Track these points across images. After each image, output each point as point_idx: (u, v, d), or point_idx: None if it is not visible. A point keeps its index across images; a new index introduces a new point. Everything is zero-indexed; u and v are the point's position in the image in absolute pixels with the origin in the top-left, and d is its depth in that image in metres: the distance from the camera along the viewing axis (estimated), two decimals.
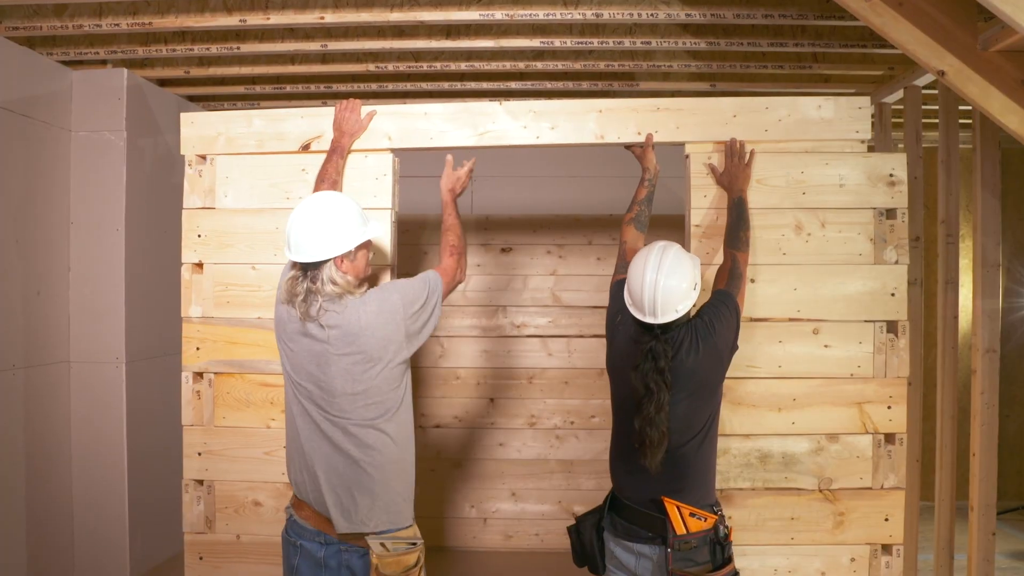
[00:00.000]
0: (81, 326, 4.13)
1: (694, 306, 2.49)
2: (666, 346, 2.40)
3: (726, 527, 2.47)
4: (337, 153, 2.92)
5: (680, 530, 2.39)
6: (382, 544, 2.35)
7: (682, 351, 2.43)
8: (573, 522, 2.71)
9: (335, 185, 2.85)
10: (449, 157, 2.91)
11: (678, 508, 2.40)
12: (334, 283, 2.38)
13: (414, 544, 2.41)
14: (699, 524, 2.41)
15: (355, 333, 2.37)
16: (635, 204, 2.86)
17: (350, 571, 2.39)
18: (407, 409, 2.50)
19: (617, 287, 2.65)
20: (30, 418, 3.82)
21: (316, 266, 2.38)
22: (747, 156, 2.90)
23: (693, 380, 2.43)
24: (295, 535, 2.45)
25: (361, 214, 2.50)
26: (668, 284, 2.39)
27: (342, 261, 2.40)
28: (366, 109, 3.02)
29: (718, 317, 2.49)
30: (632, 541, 2.51)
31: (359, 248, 2.45)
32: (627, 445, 2.49)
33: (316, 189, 2.82)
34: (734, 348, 2.54)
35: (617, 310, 2.62)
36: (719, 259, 2.93)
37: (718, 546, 2.45)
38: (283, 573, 2.51)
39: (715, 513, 2.47)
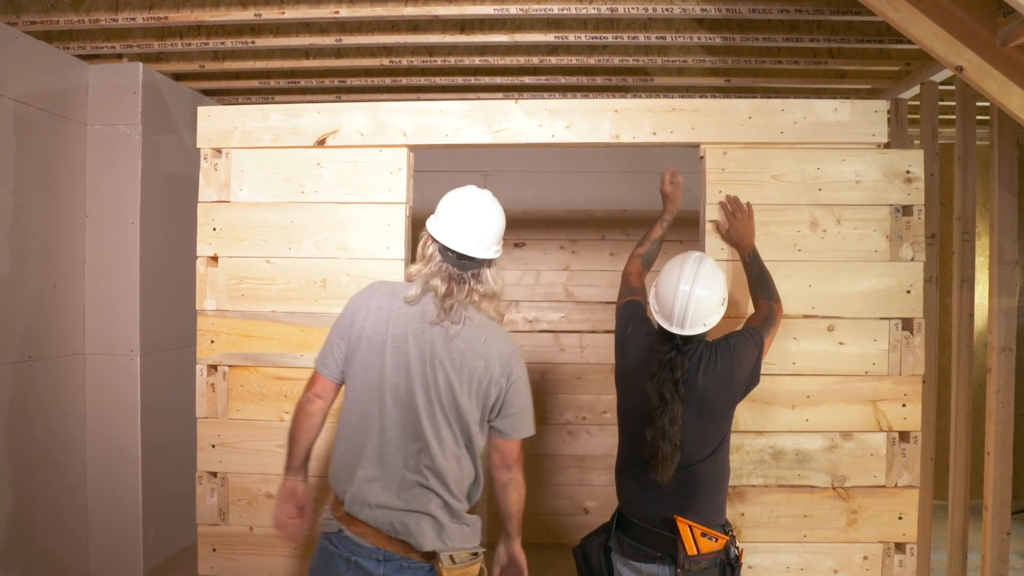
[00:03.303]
0: (96, 318, 4.16)
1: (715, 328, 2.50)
2: (685, 359, 2.39)
3: (737, 548, 2.47)
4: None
5: (691, 550, 2.37)
6: (450, 557, 2.23)
7: (699, 369, 2.42)
8: (580, 534, 2.71)
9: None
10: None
11: (690, 527, 2.38)
12: (496, 283, 2.32)
13: (476, 554, 2.30)
14: (710, 544, 2.40)
15: (483, 355, 2.26)
16: (647, 241, 2.88)
17: None
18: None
19: (625, 308, 2.66)
20: (45, 409, 3.85)
21: (478, 264, 2.30)
22: (748, 209, 2.88)
23: (702, 400, 2.42)
24: (347, 551, 2.25)
25: None
26: (701, 296, 2.40)
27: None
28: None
29: (744, 343, 2.49)
30: (640, 561, 2.47)
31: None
32: (636, 460, 2.47)
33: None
34: (751, 383, 2.51)
35: (627, 322, 2.61)
36: (732, 254, 2.92)
37: (728, 568, 2.45)
38: None
39: (727, 534, 2.46)
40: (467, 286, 2.28)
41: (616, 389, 2.63)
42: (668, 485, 2.40)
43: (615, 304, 2.73)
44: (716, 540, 2.40)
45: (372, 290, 2.37)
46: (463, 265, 2.28)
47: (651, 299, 2.50)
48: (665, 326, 2.43)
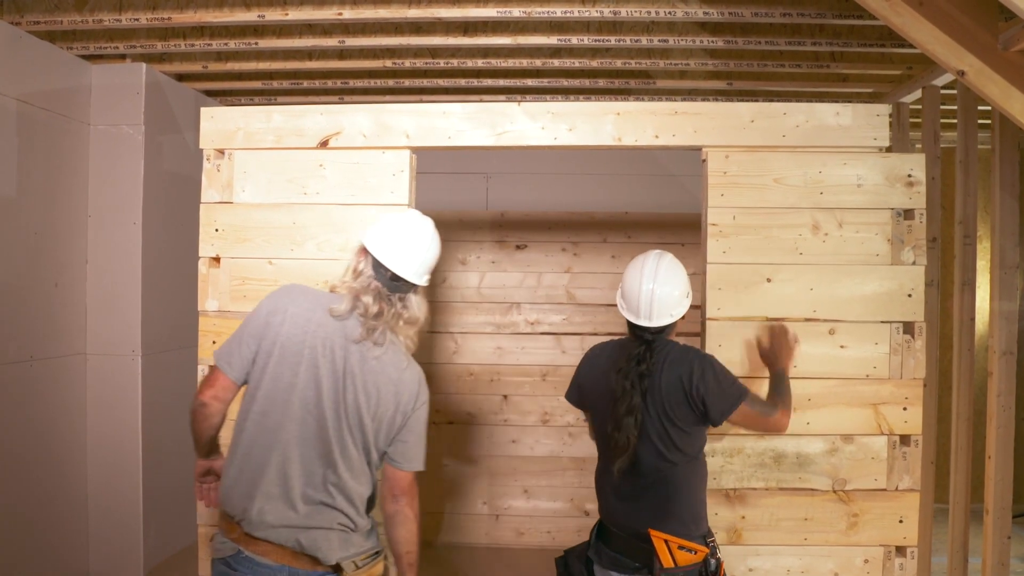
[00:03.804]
0: (98, 318, 4.16)
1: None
2: (652, 354, 2.45)
3: (718, 559, 2.46)
4: None
5: (667, 563, 2.37)
6: (354, 563, 2.21)
7: (663, 366, 2.45)
8: (581, 536, 2.72)
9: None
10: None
11: (666, 541, 2.39)
12: (420, 310, 2.29)
13: (378, 553, 2.30)
14: (688, 557, 2.39)
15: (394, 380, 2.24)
16: None
17: None
18: None
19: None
20: (47, 409, 3.85)
21: (407, 288, 2.27)
22: (793, 338, 2.79)
23: (663, 399, 2.43)
24: (249, 571, 2.16)
25: None
26: (663, 292, 2.48)
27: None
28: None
29: (716, 374, 2.46)
30: (618, 571, 2.48)
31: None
32: (611, 471, 2.49)
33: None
34: (704, 410, 2.44)
35: (586, 356, 2.72)
36: (736, 257, 2.93)
37: None
38: None
39: (707, 545, 2.45)
40: (394, 309, 2.25)
41: (587, 412, 2.71)
42: (645, 487, 2.44)
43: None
44: (695, 552, 2.40)
45: (290, 294, 2.28)
46: (393, 287, 2.25)
47: (618, 299, 2.58)
48: (633, 320, 2.50)
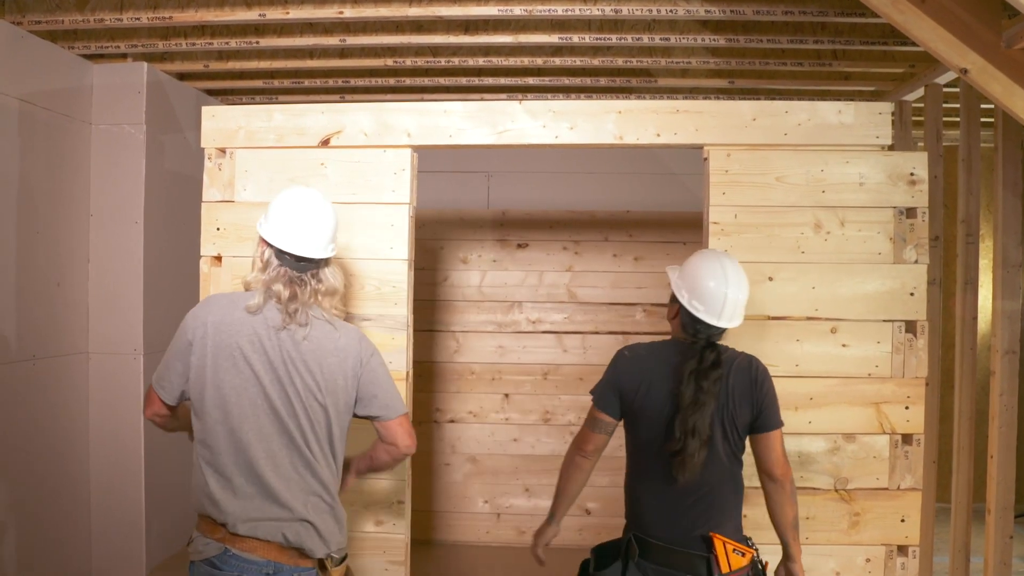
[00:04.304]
0: (100, 317, 4.16)
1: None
2: (720, 356, 2.38)
3: (762, 561, 2.45)
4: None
5: (725, 568, 2.33)
6: (331, 557, 2.28)
7: (731, 370, 2.41)
8: (582, 535, 2.62)
9: None
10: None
11: (724, 544, 2.35)
12: (336, 280, 2.33)
13: (344, 551, 2.36)
14: (740, 561, 2.36)
15: (330, 351, 2.28)
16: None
17: None
18: None
19: (613, 363, 2.56)
20: (49, 408, 3.86)
21: (316, 264, 2.29)
22: None
23: (729, 403, 2.39)
24: (235, 570, 2.18)
25: None
26: (744, 293, 2.45)
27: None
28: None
29: (776, 398, 2.47)
30: None
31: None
32: (660, 479, 2.41)
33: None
34: (749, 428, 2.46)
35: (620, 355, 2.55)
36: (737, 255, 2.91)
37: None
38: None
39: (751, 547, 2.43)
40: (308, 287, 2.27)
41: (625, 419, 2.52)
42: (704, 495, 2.38)
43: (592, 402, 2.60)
44: (744, 555, 2.37)
45: (208, 305, 2.31)
46: (301, 267, 2.27)
47: (690, 298, 2.43)
48: (713, 322, 2.40)
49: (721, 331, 2.43)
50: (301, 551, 2.21)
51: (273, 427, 2.21)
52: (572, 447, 2.64)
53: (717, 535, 2.37)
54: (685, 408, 2.33)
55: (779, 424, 2.47)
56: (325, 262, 2.32)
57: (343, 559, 2.34)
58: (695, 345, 2.41)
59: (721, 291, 2.41)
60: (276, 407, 2.21)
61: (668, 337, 2.57)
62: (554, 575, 3.09)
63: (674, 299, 2.52)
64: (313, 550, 2.22)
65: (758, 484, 2.87)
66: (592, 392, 2.58)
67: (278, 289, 2.23)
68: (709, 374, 2.34)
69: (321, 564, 2.25)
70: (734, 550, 2.36)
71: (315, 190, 2.42)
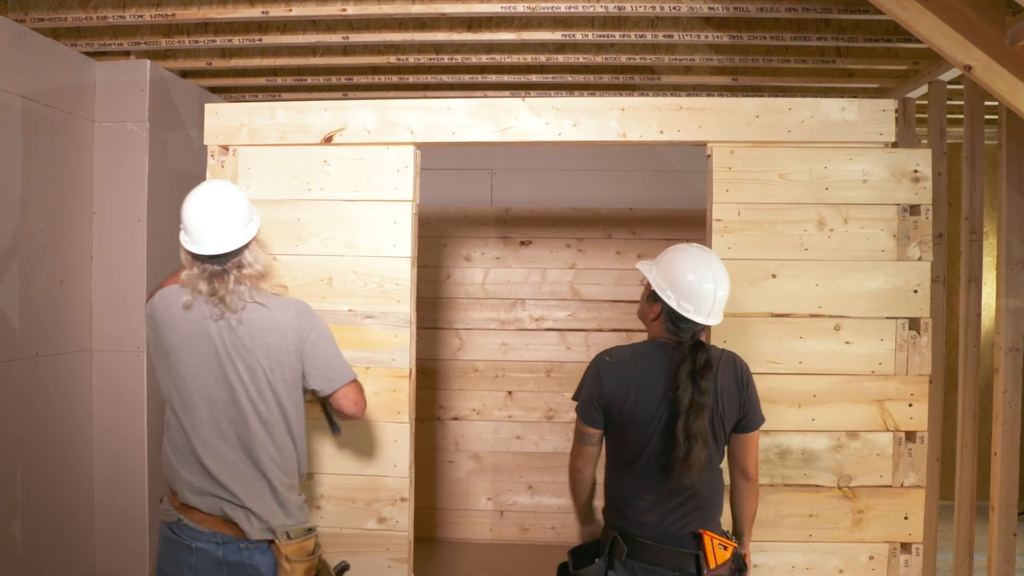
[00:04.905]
0: (103, 315, 4.17)
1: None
2: (711, 358, 2.36)
3: (741, 552, 2.48)
4: None
5: (712, 563, 2.34)
6: (287, 533, 2.37)
7: (720, 368, 2.40)
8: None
9: None
10: None
11: (711, 539, 2.36)
12: (259, 262, 2.41)
13: (311, 530, 2.45)
14: (724, 554, 2.37)
15: (268, 328, 2.37)
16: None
17: (254, 568, 2.37)
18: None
19: (590, 371, 2.53)
20: (53, 406, 3.86)
21: (234, 254, 2.37)
22: None
23: (720, 402, 2.38)
24: (188, 537, 2.37)
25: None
26: (728, 288, 2.43)
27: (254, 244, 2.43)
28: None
29: (757, 396, 2.50)
30: None
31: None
32: (649, 480, 2.39)
33: None
34: (741, 412, 2.46)
35: (599, 362, 2.50)
36: (741, 253, 2.92)
37: (738, 573, 2.45)
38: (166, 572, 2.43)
39: (731, 540, 2.44)
40: (231, 276, 2.35)
41: (611, 425, 2.46)
42: (696, 493, 2.37)
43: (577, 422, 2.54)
44: (726, 548, 2.38)
45: (153, 308, 2.47)
46: (220, 260, 2.35)
47: (678, 299, 2.38)
48: (701, 320, 2.37)
49: (704, 328, 2.41)
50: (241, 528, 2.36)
51: (221, 415, 2.35)
52: (571, 463, 2.60)
53: (707, 532, 2.37)
54: (686, 412, 2.30)
55: (761, 423, 2.49)
56: (244, 248, 2.38)
57: (306, 538, 2.41)
58: (682, 345, 2.38)
59: (711, 290, 2.37)
60: (219, 395, 2.35)
61: (645, 338, 2.53)
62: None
63: (652, 298, 2.46)
64: (248, 532, 2.34)
65: (759, 482, 2.88)
66: (576, 401, 2.52)
67: (202, 287, 2.35)
68: (704, 375, 2.32)
69: (270, 535, 2.37)
70: (719, 544, 2.37)
71: (219, 182, 2.49)
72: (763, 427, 2.86)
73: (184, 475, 2.37)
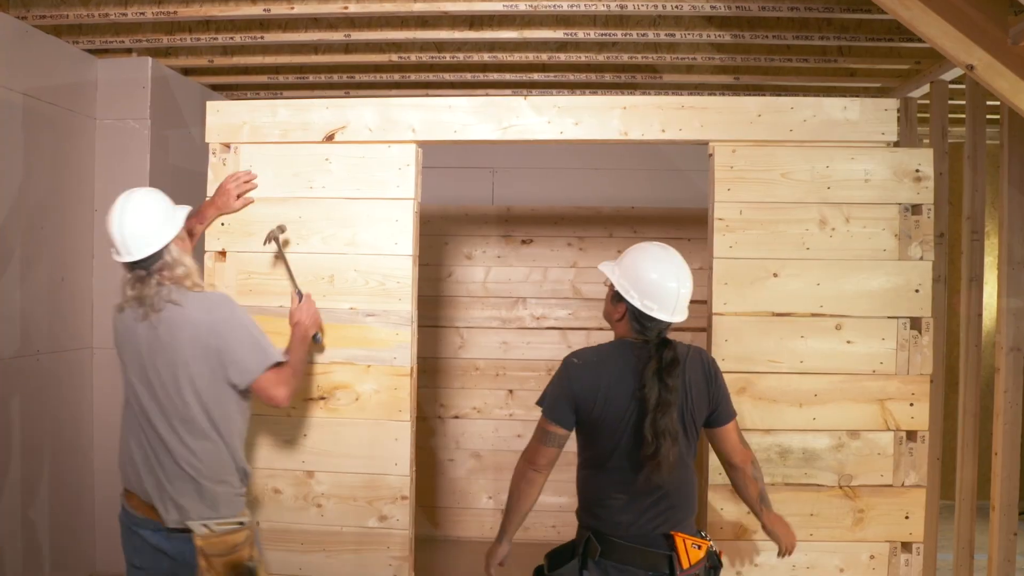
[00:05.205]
0: (104, 313, 4.16)
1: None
2: (677, 355, 2.36)
3: (715, 550, 2.47)
4: (198, 218, 2.97)
5: (686, 563, 2.34)
6: (205, 526, 2.43)
7: (687, 364, 2.40)
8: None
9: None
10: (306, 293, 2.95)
11: (684, 540, 2.36)
12: (180, 263, 2.48)
13: (242, 523, 2.51)
14: (698, 554, 2.37)
15: (191, 323, 2.44)
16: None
17: (182, 556, 2.46)
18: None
19: (560, 372, 2.54)
20: (54, 403, 3.86)
21: (154, 258, 2.45)
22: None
23: (689, 398, 2.39)
24: (130, 523, 2.54)
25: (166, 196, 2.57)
26: (691, 289, 2.42)
27: (179, 242, 2.52)
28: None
29: (726, 388, 2.51)
30: None
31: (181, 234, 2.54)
32: (621, 479, 2.39)
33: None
34: (712, 406, 2.47)
35: (569, 362, 2.52)
36: (742, 252, 2.92)
37: (713, 571, 2.44)
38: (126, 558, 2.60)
39: (705, 539, 2.44)
40: (154, 279, 2.46)
41: (581, 428, 2.48)
42: (668, 492, 2.37)
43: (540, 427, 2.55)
44: (700, 548, 2.38)
45: (112, 315, 2.61)
46: (144, 264, 2.45)
47: (642, 299, 2.38)
48: (666, 318, 2.37)
49: (669, 326, 2.41)
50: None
51: (147, 414, 2.46)
52: (522, 462, 2.55)
53: (678, 533, 2.37)
54: (653, 410, 2.30)
55: (734, 415, 2.50)
56: (165, 249, 2.46)
57: (231, 532, 2.46)
58: (648, 344, 2.38)
59: (674, 288, 2.37)
60: (144, 393, 2.46)
61: (612, 338, 2.53)
62: None
63: (616, 299, 2.46)
64: (165, 519, 2.44)
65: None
66: (541, 403, 2.52)
67: (128, 292, 2.48)
68: (671, 372, 2.32)
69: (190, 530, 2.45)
70: (692, 544, 2.36)
71: (134, 191, 2.52)
72: (764, 426, 2.88)
73: (124, 464, 2.53)
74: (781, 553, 2.57)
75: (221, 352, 2.45)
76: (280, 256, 2.99)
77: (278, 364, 2.53)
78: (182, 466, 2.43)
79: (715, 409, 2.46)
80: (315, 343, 2.96)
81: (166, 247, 2.45)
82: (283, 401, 2.53)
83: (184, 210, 2.57)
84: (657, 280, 2.38)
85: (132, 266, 2.45)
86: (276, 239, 2.95)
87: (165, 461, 2.44)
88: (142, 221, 2.44)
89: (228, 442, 2.51)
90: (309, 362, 2.99)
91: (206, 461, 2.46)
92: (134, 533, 2.52)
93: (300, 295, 2.92)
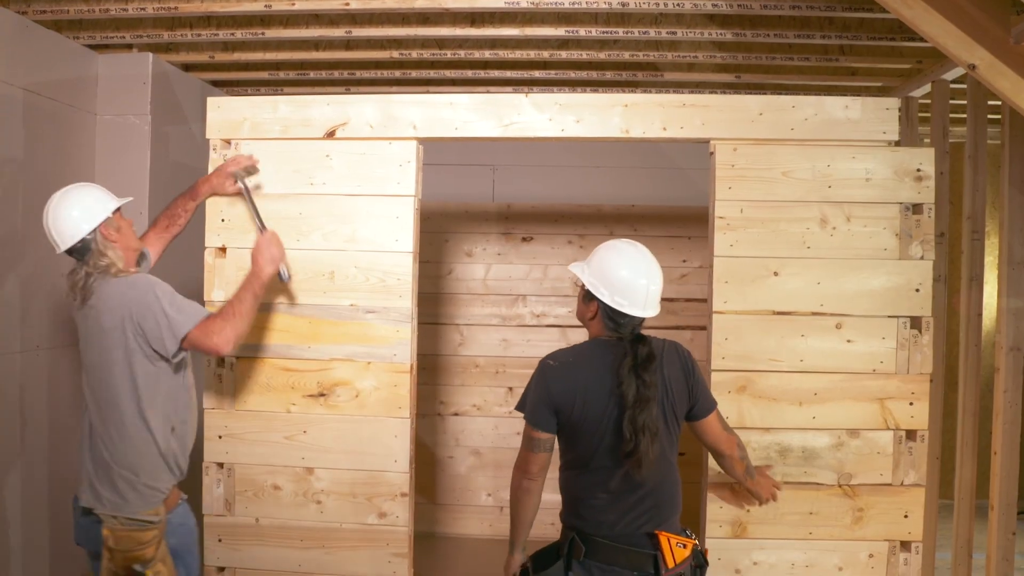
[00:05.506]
0: None
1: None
2: (652, 351, 2.38)
3: (703, 549, 2.50)
4: (190, 194, 3.03)
5: (671, 563, 2.34)
6: (113, 516, 2.56)
7: (663, 359, 2.41)
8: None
9: (173, 219, 3.04)
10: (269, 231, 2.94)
11: (668, 539, 2.36)
12: (103, 255, 2.60)
13: (152, 522, 2.60)
14: (683, 552, 2.37)
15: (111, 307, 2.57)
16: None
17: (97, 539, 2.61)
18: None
19: (536, 375, 2.54)
20: (54, 398, 3.86)
21: (82, 251, 2.60)
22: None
23: (665, 390, 2.39)
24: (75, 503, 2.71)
25: (104, 190, 2.72)
26: (660, 283, 2.44)
27: (109, 233, 2.64)
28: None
29: (704, 381, 2.53)
30: None
31: (118, 221, 2.69)
32: (604, 478, 2.40)
33: (156, 221, 3.06)
34: (691, 402, 2.48)
35: (546, 365, 2.51)
36: (743, 250, 2.92)
37: (699, 570, 2.45)
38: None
39: (690, 537, 2.44)
40: (83, 270, 2.61)
41: (563, 429, 2.47)
42: (651, 490, 2.37)
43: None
44: (685, 546, 2.38)
45: None
46: (78, 255, 2.62)
47: (612, 295, 2.39)
48: (638, 313, 2.38)
49: (642, 321, 2.42)
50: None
51: (90, 406, 2.64)
52: (516, 472, 2.56)
53: (662, 532, 2.37)
54: (632, 406, 2.31)
55: (714, 404, 2.52)
56: (91, 241, 2.60)
57: (134, 528, 2.56)
58: (623, 341, 2.40)
59: (644, 285, 2.39)
60: (85, 381, 2.65)
61: (587, 338, 2.53)
62: None
63: (587, 298, 2.48)
64: (80, 497, 2.62)
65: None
66: (522, 410, 2.53)
67: (64, 285, 2.66)
68: (648, 367, 2.34)
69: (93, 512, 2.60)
70: (677, 543, 2.37)
71: (65, 188, 2.67)
72: (763, 424, 2.88)
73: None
74: (763, 501, 2.71)
75: (142, 326, 2.54)
76: (245, 196, 2.99)
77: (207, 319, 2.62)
78: (101, 452, 2.58)
79: (696, 402, 2.47)
80: (281, 281, 2.97)
81: (93, 238, 2.59)
82: (223, 347, 2.58)
83: (115, 202, 2.68)
84: (627, 276, 2.40)
85: (74, 257, 2.62)
86: (243, 179, 2.99)
87: (93, 445, 2.61)
88: (63, 215, 2.59)
89: (154, 433, 2.59)
90: (307, 358, 2.99)
91: (122, 450, 2.57)
92: (75, 512, 2.69)
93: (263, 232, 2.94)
